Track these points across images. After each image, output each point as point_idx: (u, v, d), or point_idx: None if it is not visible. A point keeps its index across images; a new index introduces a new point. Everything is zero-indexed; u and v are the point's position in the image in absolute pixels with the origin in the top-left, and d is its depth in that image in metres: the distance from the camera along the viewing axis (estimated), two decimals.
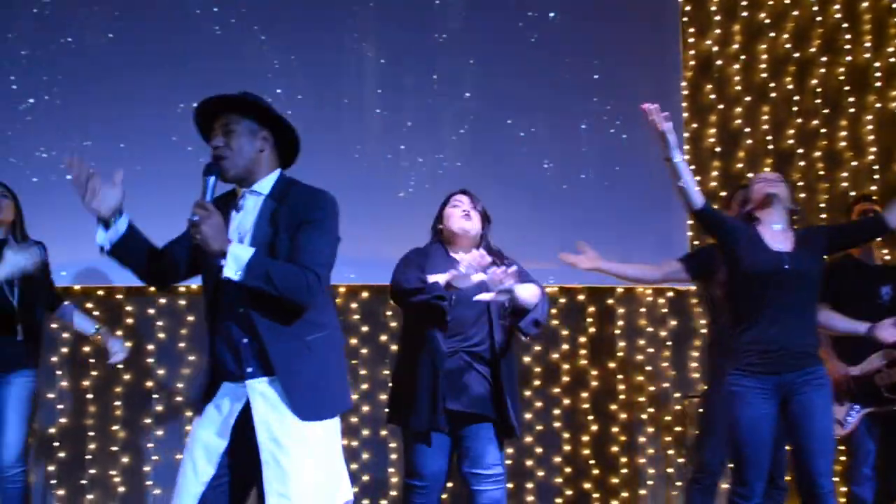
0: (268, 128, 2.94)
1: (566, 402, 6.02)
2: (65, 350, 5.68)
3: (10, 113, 5.68)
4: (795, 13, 6.45)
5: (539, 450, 5.96)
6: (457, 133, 5.99)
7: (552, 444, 5.98)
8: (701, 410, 4.86)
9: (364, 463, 5.79)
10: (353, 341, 5.83)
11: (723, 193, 6.02)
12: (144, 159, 5.41)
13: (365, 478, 5.78)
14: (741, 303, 3.88)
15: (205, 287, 2.95)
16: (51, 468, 5.60)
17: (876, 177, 6.33)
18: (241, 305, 2.79)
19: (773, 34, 6.44)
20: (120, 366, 5.65)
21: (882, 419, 4.66)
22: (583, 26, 6.16)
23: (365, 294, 5.89)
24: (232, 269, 2.69)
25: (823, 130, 6.39)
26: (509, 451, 5.88)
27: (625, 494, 5.99)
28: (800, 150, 6.37)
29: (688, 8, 6.39)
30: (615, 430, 6.03)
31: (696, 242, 6.10)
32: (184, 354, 5.75)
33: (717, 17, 6.41)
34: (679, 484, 5.96)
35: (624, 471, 6.02)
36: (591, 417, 6.02)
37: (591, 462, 5.99)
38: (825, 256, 4.03)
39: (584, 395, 6.03)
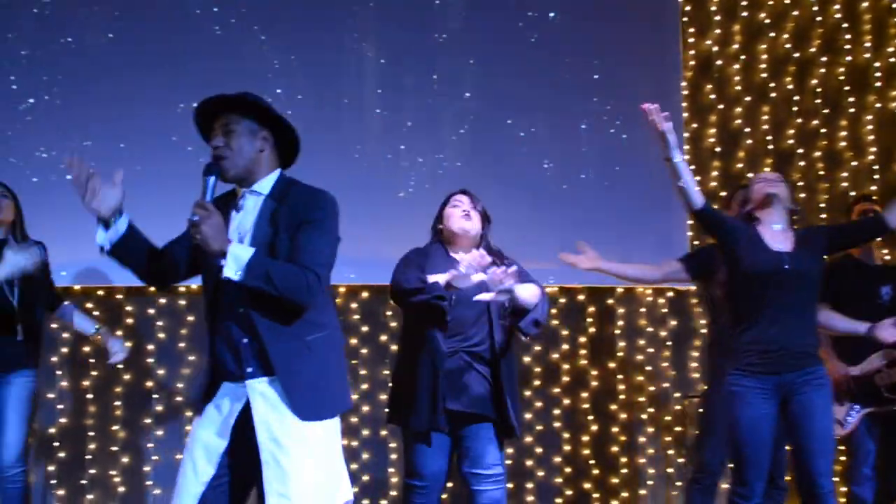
0: (268, 128, 2.94)
1: (566, 402, 6.02)
2: (65, 350, 5.68)
3: (10, 113, 5.68)
4: (795, 13, 6.45)
5: (539, 450, 5.96)
6: (457, 133, 5.99)
7: (552, 444, 5.98)
8: (701, 410, 4.86)
9: (364, 463, 5.79)
10: (354, 341, 5.83)
11: (723, 193, 6.02)
12: (144, 159, 5.42)
13: (365, 478, 5.78)
14: (741, 303, 3.88)
15: (205, 287, 2.95)
16: (51, 468, 5.61)
17: (876, 177, 6.33)
18: (241, 305, 2.80)
19: (773, 34, 6.44)
20: (120, 366, 5.65)
21: (882, 419, 4.66)
22: (583, 26, 6.16)
23: (365, 294, 5.89)
24: (232, 269, 2.69)
25: (823, 130, 6.39)
26: (509, 451, 5.88)
27: (625, 494, 5.99)
28: (800, 150, 6.37)
29: (688, 8, 6.39)
30: (615, 430, 6.03)
31: (695, 242, 6.10)
32: (184, 354, 5.76)
33: (717, 17, 6.41)
34: (679, 484, 5.96)
35: (624, 471, 6.02)
36: (591, 417, 6.02)
37: (591, 462, 5.99)
38: (825, 256, 4.03)
39: (584, 395, 6.03)
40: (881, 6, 6.45)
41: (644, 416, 6.07)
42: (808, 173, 6.32)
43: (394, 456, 5.77)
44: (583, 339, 6.08)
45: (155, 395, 5.73)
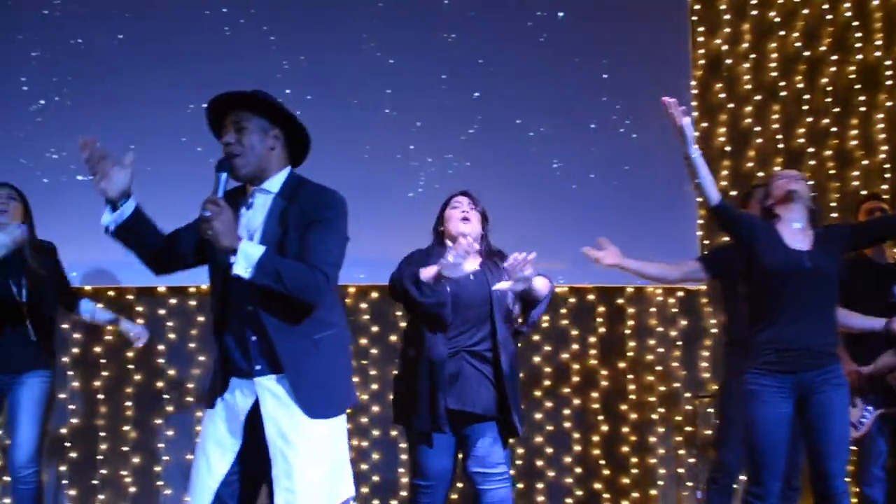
0: (279, 126, 2.94)
1: (576, 402, 6.01)
2: (76, 350, 5.70)
3: (20, 114, 5.71)
4: (805, 12, 6.43)
5: (549, 450, 5.95)
6: (466, 133, 5.99)
7: (562, 445, 5.97)
8: (718, 410, 4.84)
9: (374, 463, 5.79)
10: (363, 341, 5.84)
11: (733, 192, 6.01)
12: (154, 160, 5.42)
13: (375, 478, 5.78)
14: (759, 301, 3.85)
15: (212, 283, 2.96)
16: (62, 468, 5.63)
17: (887, 175, 6.30)
18: (250, 303, 2.81)
19: (783, 33, 6.42)
20: (130, 366, 5.69)
21: (894, 419, 4.64)
22: (592, 26, 6.15)
23: (374, 294, 5.89)
24: (242, 267, 2.70)
25: (834, 129, 6.37)
26: (519, 451, 5.88)
27: (635, 495, 5.98)
28: (810, 149, 6.35)
29: (697, 7, 6.37)
30: (625, 430, 6.02)
31: (706, 242, 6.09)
32: (194, 355, 5.77)
33: (727, 16, 6.39)
34: (690, 484, 5.95)
35: (634, 471, 6.00)
36: (601, 417, 6.01)
37: (602, 462, 5.98)
38: (845, 255, 3.99)
39: (595, 395, 6.02)
40: (892, 4, 6.42)
41: (654, 416, 6.06)
42: (818, 172, 6.29)
43: (404, 456, 5.77)
44: (593, 339, 6.07)
45: (165, 396, 5.75)
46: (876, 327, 4.24)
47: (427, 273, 3.64)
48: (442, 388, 3.67)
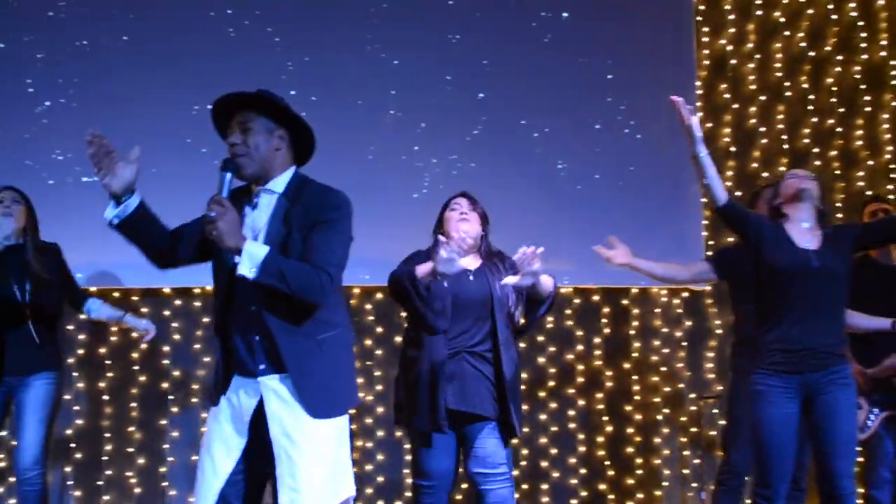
0: (284, 126, 2.95)
1: (581, 402, 6.01)
2: (81, 352, 5.71)
3: (26, 116, 5.72)
4: (810, 12, 6.43)
5: (554, 451, 5.95)
6: (471, 134, 5.99)
7: (567, 445, 5.97)
8: (723, 410, 4.83)
9: (379, 464, 5.80)
10: (368, 342, 5.84)
11: (738, 193, 6.01)
12: (159, 161, 5.42)
13: (380, 479, 5.79)
14: (766, 301, 3.83)
15: (216, 282, 2.97)
16: (67, 469, 5.64)
17: (892, 175, 6.29)
18: (254, 303, 2.82)
19: (787, 33, 6.41)
20: (135, 367, 5.70)
21: None
22: (596, 26, 6.15)
23: (379, 295, 5.89)
24: (246, 267, 2.71)
25: (839, 129, 6.36)
26: (524, 451, 5.88)
27: (640, 495, 5.97)
28: (815, 150, 6.34)
29: (702, 7, 6.37)
30: (630, 430, 6.02)
31: (710, 242, 6.09)
32: (199, 356, 5.77)
33: (732, 17, 6.39)
34: (695, 485, 5.94)
35: (639, 472, 6.00)
36: (606, 418, 6.00)
37: (607, 463, 5.98)
38: (853, 255, 3.97)
39: (599, 395, 6.02)
40: None
41: (659, 417, 6.05)
42: (823, 173, 6.28)
43: (408, 457, 5.75)
44: (597, 340, 6.07)
45: (170, 397, 5.75)
46: (884, 327, 4.23)
47: (422, 270, 3.64)
48: (442, 389, 3.67)
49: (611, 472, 5.97)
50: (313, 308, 2.83)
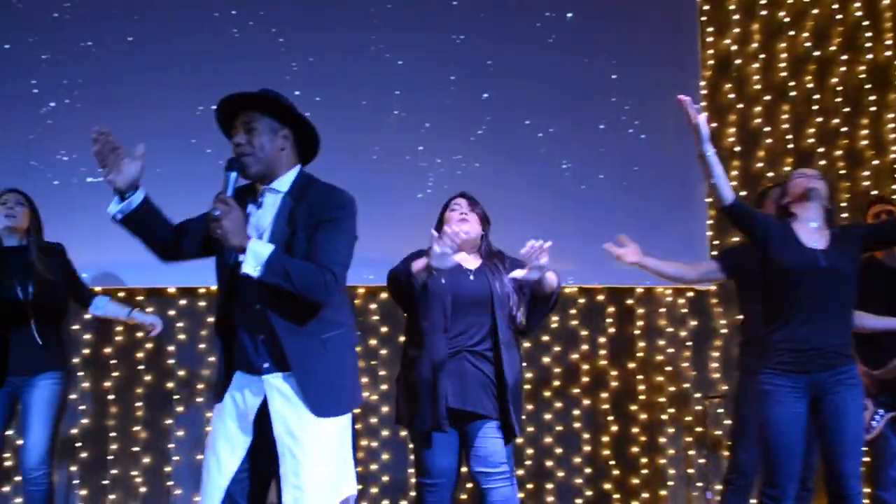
0: (288, 126, 2.96)
1: (586, 402, 6.00)
2: (86, 351, 5.73)
3: (31, 116, 5.73)
4: (815, 11, 6.42)
5: (559, 450, 5.95)
6: (475, 134, 5.99)
7: (572, 445, 5.96)
8: (730, 410, 4.82)
9: (384, 463, 5.80)
10: (373, 342, 5.85)
11: (743, 193, 6.00)
12: (164, 161, 5.41)
13: (385, 478, 5.79)
14: (774, 300, 3.82)
15: (219, 280, 2.98)
16: (73, 468, 5.65)
17: None
18: (258, 302, 2.83)
19: (792, 33, 6.41)
20: (141, 367, 5.71)
21: None
22: (600, 26, 6.15)
23: (384, 295, 5.89)
24: (251, 266, 2.72)
25: (844, 129, 6.35)
26: (529, 451, 5.88)
27: (645, 495, 5.97)
28: (820, 149, 6.33)
29: (706, 7, 6.36)
30: (635, 430, 6.01)
31: (715, 242, 6.08)
32: (204, 355, 5.78)
33: (736, 17, 6.38)
34: (700, 484, 5.94)
35: (644, 471, 6.00)
36: (611, 418, 6.00)
37: (612, 463, 5.97)
38: (861, 255, 3.95)
39: (604, 395, 6.02)
40: None
41: (664, 417, 6.05)
42: (828, 172, 6.26)
43: (413, 456, 5.77)
44: (602, 340, 6.07)
45: (176, 396, 5.76)
46: (891, 327, 4.22)
47: (417, 266, 3.65)
48: (442, 388, 3.68)
49: (616, 472, 5.97)
50: (318, 307, 2.84)
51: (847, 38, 6.42)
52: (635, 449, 6.00)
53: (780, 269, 3.78)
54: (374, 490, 5.77)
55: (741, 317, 4.78)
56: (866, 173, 6.31)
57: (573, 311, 6.04)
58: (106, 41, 5.81)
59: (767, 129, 6.32)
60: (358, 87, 5.91)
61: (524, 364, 5.87)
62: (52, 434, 4.43)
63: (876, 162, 6.32)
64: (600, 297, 6.10)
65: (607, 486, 5.95)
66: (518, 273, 3.63)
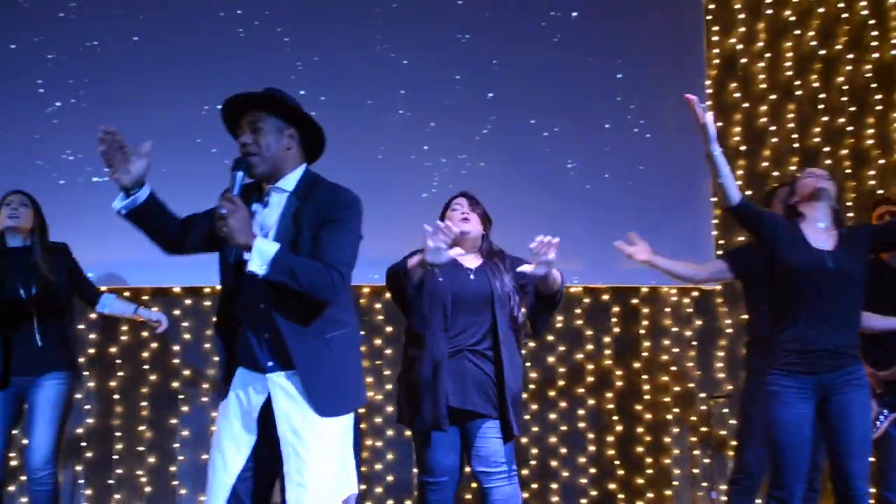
0: (294, 125, 2.96)
1: (591, 402, 6.00)
2: (92, 351, 5.74)
3: (36, 116, 5.74)
4: (821, 10, 6.40)
5: (564, 450, 5.94)
6: (480, 133, 5.99)
7: (577, 445, 5.96)
8: (737, 410, 4.81)
9: (388, 463, 5.80)
10: (378, 342, 5.85)
11: (748, 192, 5.99)
12: (169, 161, 5.42)
13: (389, 478, 5.79)
14: (781, 301, 3.81)
15: (223, 279, 2.98)
16: (78, 468, 5.66)
17: None
18: (262, 301, 2.84)
19: (798, 32, 6.39)
20: (146, 366, 5.72)
21: None
22: (606, 26, 6.14)
23: (389, 295, 5.87)
24: (257, 264, 2.73)
25: (850, 128, 6.34)
26: (534, 451, 5.88)
27: (650, 495, 5.96)
28: (826, 149, 6.31)
29: (712, 6, 6.35)
30: (640, 430, 6.01)
31: (721, 241, 6.07)
32: (209, 355, 5.79)
33: (742, 16, 6.37)
34: (705, 484, 5.93)
35: (649, 471, 5.99)
36: (615, 418, 6.00)
37: (616, 462, 5.97)
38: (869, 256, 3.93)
39: (609, 395, 6.01)
40: None
41: (669, 417, 6.04)
42: (834, 172, 6.22)
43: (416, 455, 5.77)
44: (607, 339, 6.06)
45: (181, 396, 5.77)
46: None
47: (412, 261, 3.65)
48: (443, 387, 3.68)
49: (621, 472, 5.97)
50: (322, 306, 2.85)
51: (853, 37, 6.40)
52: (640, 449, 6.00)
53: (787, 270, 3.77)
54: (379, 490, 5.77)
55: (747, 316, 4.77)
56: (872, 172, 6.29)
57: (578, 311, 6.03)
58: (111, 41, 5.83)
59: (773, 128, 6.31)
60: (363, 86, 5.91)
61: (528, 364, 5.88)
62: (57, 434, 4.43)
63: (882, 161, 6.30)
64: (605, 297, 6.09)
65: (612, 485, 5.94)
66: (526, 268, 3.63)
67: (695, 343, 6.12)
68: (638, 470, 5.98)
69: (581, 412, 5.99)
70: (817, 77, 6.36)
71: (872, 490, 4.84)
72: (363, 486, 5.68)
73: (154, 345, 5.75)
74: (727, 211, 3.89)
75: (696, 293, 6.14)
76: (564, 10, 6.13)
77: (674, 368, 6.08)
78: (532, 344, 5.90)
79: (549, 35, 6.10)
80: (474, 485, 5.52)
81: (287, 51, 5.90)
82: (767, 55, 6.36)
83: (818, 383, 3.72)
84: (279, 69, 5.74)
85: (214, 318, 3.00)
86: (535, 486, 5.87)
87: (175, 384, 5.78)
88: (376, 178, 5.56)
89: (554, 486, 5.91)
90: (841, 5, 6.40)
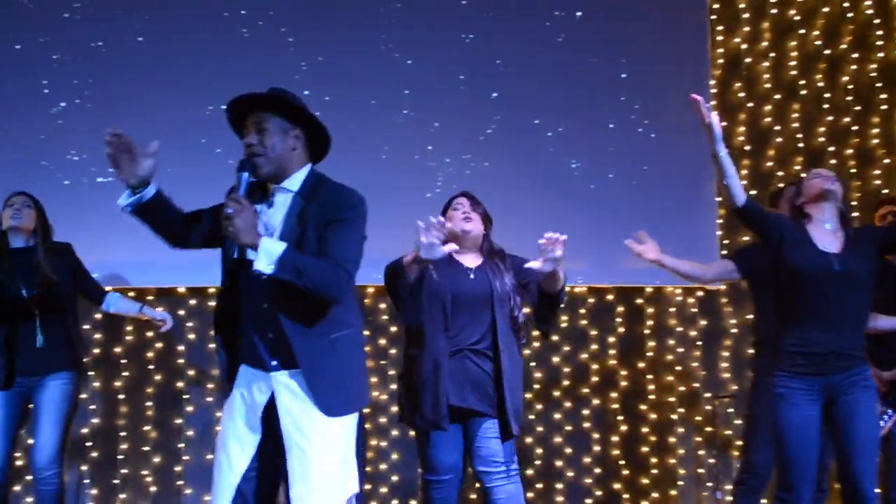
0: (299, 126, 2.96)
1: (595, 402, 6.00)
2: (97, 351, 5.74)
3: (41, 116, 5.75)
4: (826, 10, 6.39)
5: (568, 450, 5.94)
6: (484, 133, 5.99)
7: (582, 445, 5.96)
8: (742, 410, 4.80)
9: (393, 463, 5.80)
10: (382, 342, 5.85)
11: (753, 192, 5.98)
12: (174, 161, 5.39)
13: (394, 478, 5.79)
14: (787, 303, 3.79)
15: (225, 278, 2.99)
16: (84, 468, 5.67)
17: None
18: (266, 301, 2.85)
19: (802, 31, 6.38)
20: (151, 366, 5.73)
21: None
22: (610, 25, 6.14)
23: None
24: (264, 263, 2.73)
25: (855, 128, 6.33)
26: (538, 451, 5.88)
27: (655, 495, 5.96)
28: (831, 148, 6.30)
29: (716, 6, 6.34)
30: (645, 430, 6.00)
31: (725, 241, 6.06)
32: (214, 355, 5.78)
33: (746, 15, 6.36)
34: (710, 484, 5.92)
35: (654, 471, 5.99)
36: (620, 418, 5.99)
37: (621, 462, 5.96)
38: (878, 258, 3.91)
39: (614, 395, 6.01)
40: None
41: (674, 417, 6.04)
42: (839, 171, 6.19)
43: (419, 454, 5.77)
44: (612, 339, 6.06)
45: (186, 396, 5.78)
46: None
47: (407, 258, 3.65)
48: (443, 386, 3.69)
49: (625, 472, 5.96)
50: (326, 307, 2.85)
51: (858, 36, 6.39)
52: (645, 449, 5.99)
53: (793, 272, 3.75)
54: (384, 490, 5.77)
55: (753, 316, 4.76)
56: (877, 172, 6.28)
57: (583, 311, 6.03)
58: (115, 41, 5.83)
59: (777, 127, 6.30)
60: (367, 86, 5.91)
61: (533, 364, 5.88)
62: (61, 434, 4.44)
63: (887, 161, 6.29)
64: (610, 297, 6.09)
65: (617, 486, 5.94)
66: (534, 264, 3.63)
67: (700, 343, 6.11)
68: (643, 470, 5.98)
69: (586, 412, 5.98)
70: (822, 76, 6.35)
71: (877, 491, 4.84)
72: (368, 486, 5.68)
73: (159, 345, 5.75)
74: (732, 212, 3.87)
75: (700, 293, 6.13)
76: (568, 10, 6.13)
77: (679, 368, 6.07)
78: (537, 344, 5.90)
79: (553, 35, 6.09)
80: (479, 484, 5.52)
81: (291, 51, 5.90)
82: (772, 55, 6.35)
83: (825, 384, 3.70)
84: (283, 69, 5.73)
85: (215, 315, 3.01)
86: (539, 486, 5.87)
87: (180, 384, 5.78)
88: (380, 178, 5.55)
89: (559, 485, 5.91)
90: (846, 5, 6.39)
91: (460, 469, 3.86)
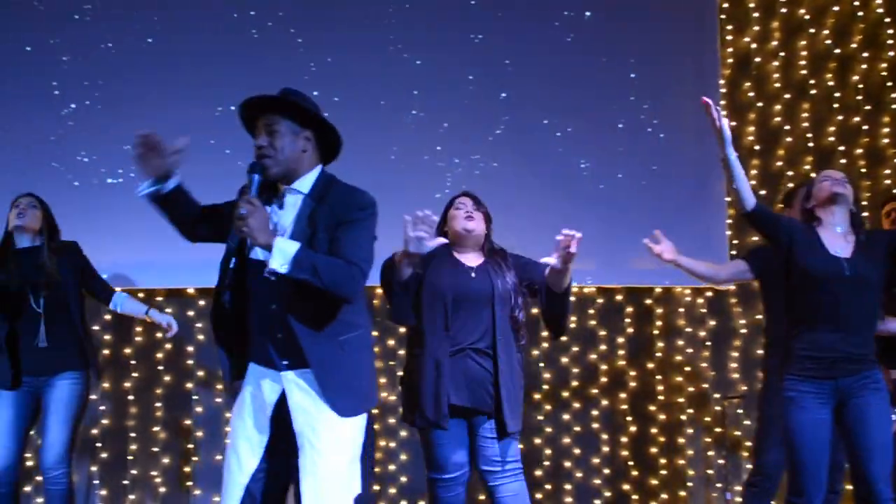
0: (310, 128, 2.97)
1: (604, 402, 5.99)
2: (106, 352, 5.76)
3: (52, 118, 5.77)
4: (836, 9, 6.37)
5: (577, 451, 5.93)
6: (493, 133, 5.98)
7: (590, 446, 5.95)
8: (753, 410, 4.77)
9: (402, 464, 5.80)
10: (391, 343, 5.85)
11: (762, 192, 5.97)
12: (183, 162, 5.45)
13: (403, 479, 5.79)
14: (797, 306, 3.77)
15: (228, 278, 2.98)
16: (93, 468, 5.69)
17: None
18: (274, 303, 2.86)
19: (812, 30, 6.36)
20: (160, 367, 5.74)
21: None
22: (619, 25, 6.13)
23: None
24: (278, 263, 2.74)
25: (865, 127, 6.30)
26: (547, 451, 5.87)
27: (664, 496, 5.94)
28: (841, 148, 6.28)
29: (726, 5, 6.33)
30: (654, 431, 5.99)
31: (735, 242, 6.05)
32: None
33: (756, 14, 6.34)
34: (719, 485, 5.91)
35: (663, 472, 5.97)
36: (629, 418, 5.98)
37: (630, 463, 5.95)
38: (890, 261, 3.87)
39: (623, 395, 6.00)
40: None
41: (683, 417, 6.02)
42: (849, 171, 6.17)
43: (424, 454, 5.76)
44: (621, 340, 6.05)
45: (195, 397, 5.79)
46: None
47: (398, 255, 3.65)
48: (444, 386, 3.70)
49: (634, 473, 5.95)
50: (336, 309, 2.87)
51: (868, 35, 6.37)
52: (654, 449, 5.98)
53: (804, 276, 3.72)
54: (393, 490, 5.78)
55: (763, 317, 4.74)
56: (888, 171, 6.26)
57: (591, 311, 6.02)
58: (126, 42, 5.86)
59: (787, 127, 6.28)
60: (376, 87, 5.92)
61: (542, 364, 5.88)
62: (70, 434, 4.45)
63: None
64: (619, 297, 6.08)
65: (626, 486, 5.93)
66: (548, 260, 3.65)
67: (709, 343, 6.10)
68: (652, 471, 5.97)
69: (595, 413, 5.97)
70: (832, 76, 6.33)
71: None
72: (377, 487, 5.69)
73: (168, 346, 5.77)
74: (742, 216, 3.85)
75: (709, 293, 6.11)
76: (577, 10, 6.12)
77: (688, 369, 6.06)
78: (545, 344, 5.90)
79: (562, 35, 6.09)
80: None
81: (300, 52, 5.91)
82: (782, 54, 6.33)
83: (836, 387, 3.68)
84: (292, 70, 5.75)
85: (214, 313, 3.01)
86: (548, 486, 5.86)
87: (189, 385, 5.79)
88: (389, 178, 5.56)
89: (568, 486, 5.90)
90: (856, 3, 6.37)
91: (467, 466, 3.87)
